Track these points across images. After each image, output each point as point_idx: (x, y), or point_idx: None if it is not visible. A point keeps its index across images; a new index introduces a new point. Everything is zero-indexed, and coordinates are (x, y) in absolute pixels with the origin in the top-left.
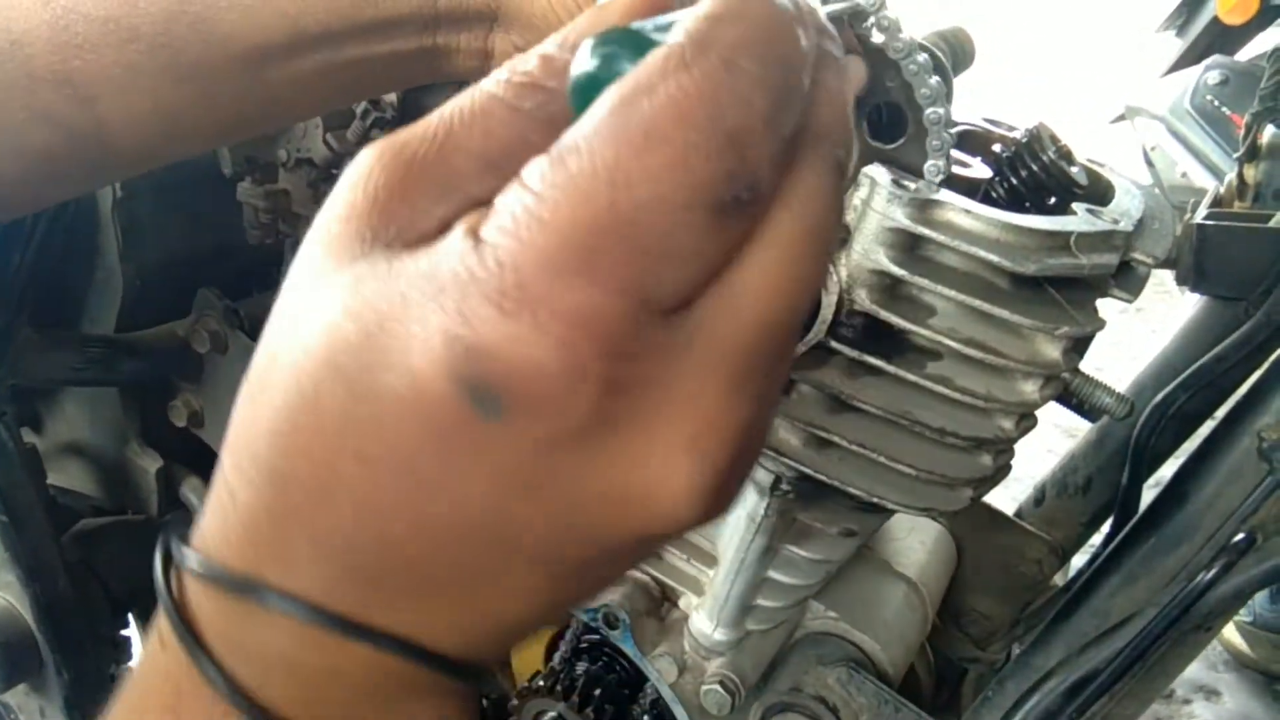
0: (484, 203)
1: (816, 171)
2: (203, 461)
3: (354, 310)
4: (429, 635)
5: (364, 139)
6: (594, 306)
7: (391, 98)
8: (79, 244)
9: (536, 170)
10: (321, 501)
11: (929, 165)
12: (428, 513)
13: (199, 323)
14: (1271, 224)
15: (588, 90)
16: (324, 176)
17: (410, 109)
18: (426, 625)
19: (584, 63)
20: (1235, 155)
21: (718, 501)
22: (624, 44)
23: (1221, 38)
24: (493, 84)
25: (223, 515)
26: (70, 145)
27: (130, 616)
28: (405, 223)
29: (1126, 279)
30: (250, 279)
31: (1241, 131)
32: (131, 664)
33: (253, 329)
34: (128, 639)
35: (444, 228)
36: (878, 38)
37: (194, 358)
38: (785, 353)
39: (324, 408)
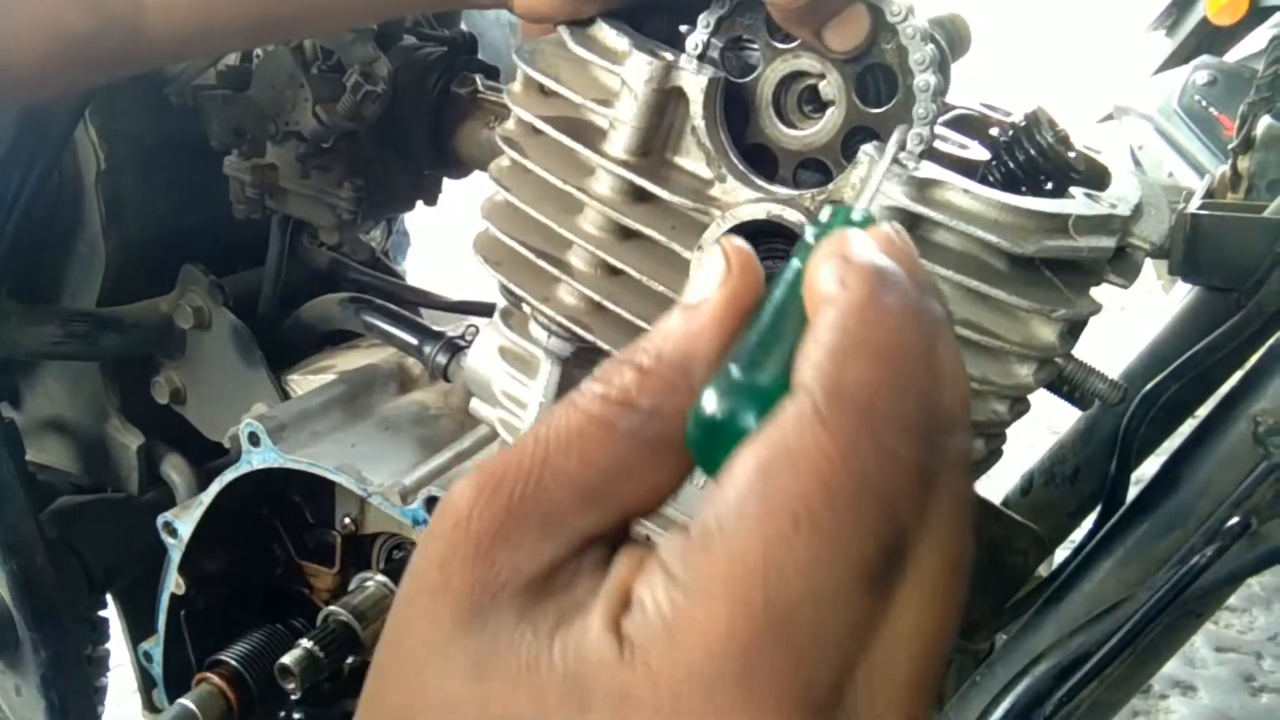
0: (591, 538)
1: (953, 488)
2: (184, 439)
3: (483, 701)
4: None
5: (354, 113)
6: None
7: (383, 71)
8: (61, 216)
9: (677, 554)
10: None
11: (912, 133)
12: None
13: (183, 298)
14: (1265, 214)
15: (709, 439)
16: (313, 150)
17: (403, 84)
18: None
19: (707, 405)
20: (1231, 146)
21: None
22: (745, 395)
23: (1210, 38)
24: (586, 401)
25: None
26: (104, 30)
27: (108, 597)
28: (511, 568)
29: (1122, 264)
30: (236, 254)
31: (1229, 131)
32: (107, 645)
33: (237, 305)
34: (105, 620)
35: (553, 569)
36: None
37: (177, 334)
38: (941, 672)
39: None
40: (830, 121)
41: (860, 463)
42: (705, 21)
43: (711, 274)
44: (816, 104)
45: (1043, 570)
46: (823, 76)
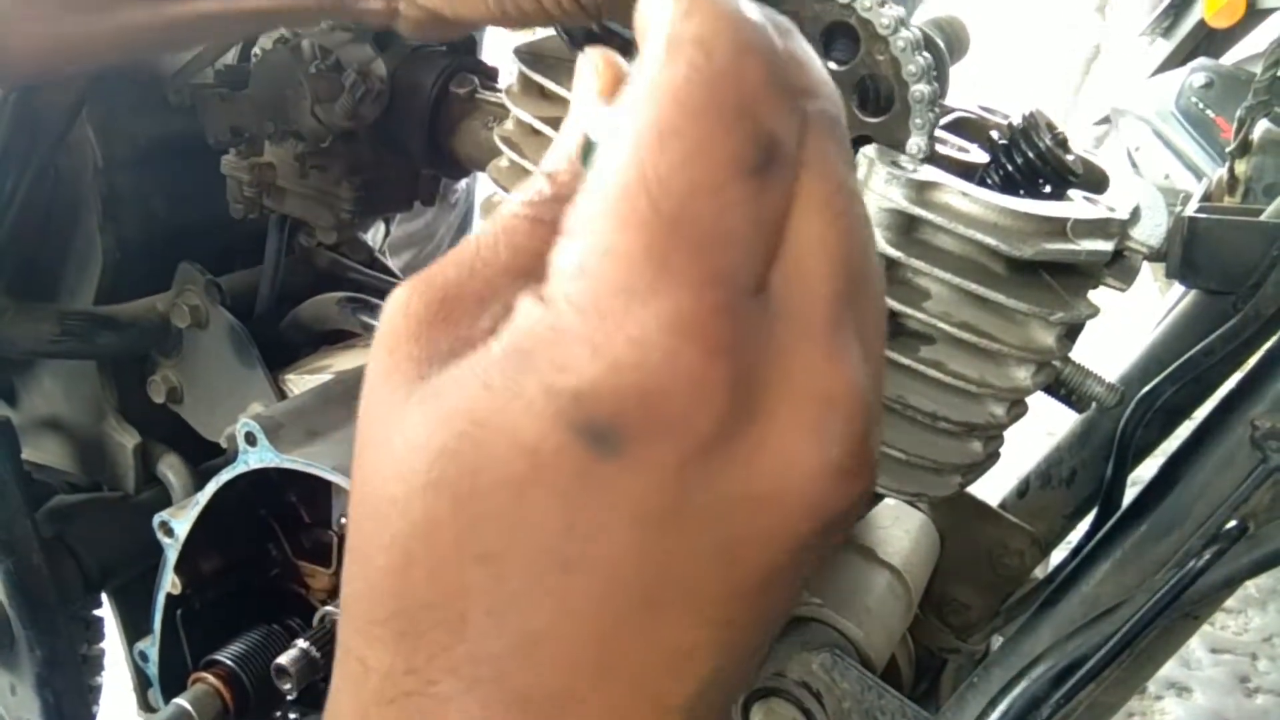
0: None
1: (821, 131)
2: (181, 438)
3: (441, 421)
4: None
5: (352, 113)
6: (686, 308)
7: (381, 71)
8: (58, 214)
9: (574, 215)
10: (457, 626)
11: (911, 142)
12: (568, 589)
13: (180, 297)
14: (1262, 218)
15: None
16: (310, 150)
17: (401, 84)
18: None
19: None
20: (1228, 149)
21: (860, 471)
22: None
23: (1208, 40)
24: (510, 206)
25: (357, 687)
26: None
27: (103, 597)
28: (453, 338)
29: (1120, 268)
30: (234, 253)
31: (1226, 133)
32: (103, 645)
33: (235, 304)
34: (100, 620)
35: (493, 333)
36: (866, 12)
37: (174, 332)
38: (867, 306)
39: (436, 526)
40: None
41: (708, 79)
42: None
43: (586, 77)
44: None
45: (1039, 573)
46: None
